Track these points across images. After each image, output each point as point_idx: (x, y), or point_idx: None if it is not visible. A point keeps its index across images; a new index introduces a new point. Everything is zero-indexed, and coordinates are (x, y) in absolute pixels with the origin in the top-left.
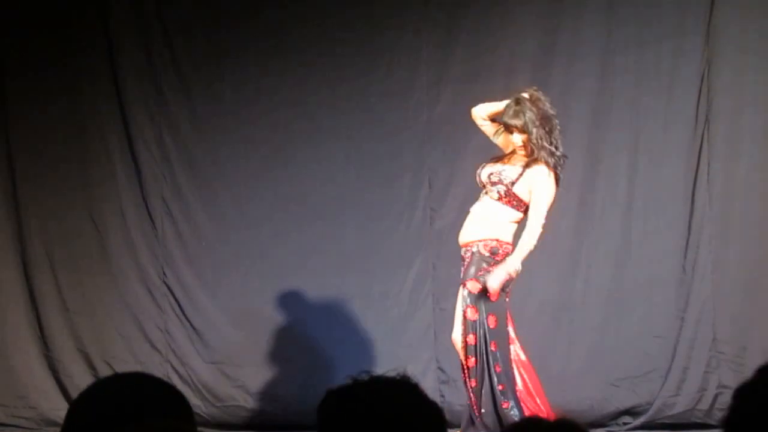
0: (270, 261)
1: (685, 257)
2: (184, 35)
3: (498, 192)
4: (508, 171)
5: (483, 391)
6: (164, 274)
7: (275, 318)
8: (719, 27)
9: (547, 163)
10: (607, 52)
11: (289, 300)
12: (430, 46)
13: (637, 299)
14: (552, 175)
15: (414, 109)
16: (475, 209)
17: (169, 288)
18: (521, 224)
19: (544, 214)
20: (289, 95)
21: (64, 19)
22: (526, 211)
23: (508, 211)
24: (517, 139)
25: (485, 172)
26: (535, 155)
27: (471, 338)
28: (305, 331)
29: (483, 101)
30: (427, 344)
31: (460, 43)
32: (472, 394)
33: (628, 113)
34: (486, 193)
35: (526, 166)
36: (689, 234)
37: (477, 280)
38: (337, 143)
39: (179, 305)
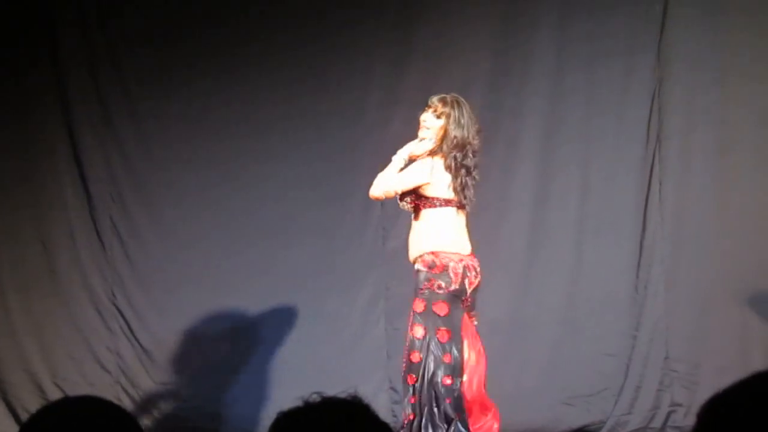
0: (219, 280)
1: (637, 276)
2: (130, 55)
3: (406, 201)
4: None
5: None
6: (113, 295)
7: (225, 338)
8: (670, 45)
9: (444, 157)
10: (559, 71)
11: (239, 320)
12: (383, 64)
13: (590, 318)
14: (436, 165)
15: (366, 128)
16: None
17: (118, 309)
18: (452, 221)
19: (406, 177)
20: (238, 114)
21: (10, 40)
22: (445, 204)
23: (428, 213)
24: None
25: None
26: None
27: (415, 356)
28: (256, 351)
29: None
30: (379, 364)
31: (412, 62)
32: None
33: (579, 132)
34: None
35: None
36: (641, 252)
37: (420, 298)
38: (287, 161)
39: (129, 326)
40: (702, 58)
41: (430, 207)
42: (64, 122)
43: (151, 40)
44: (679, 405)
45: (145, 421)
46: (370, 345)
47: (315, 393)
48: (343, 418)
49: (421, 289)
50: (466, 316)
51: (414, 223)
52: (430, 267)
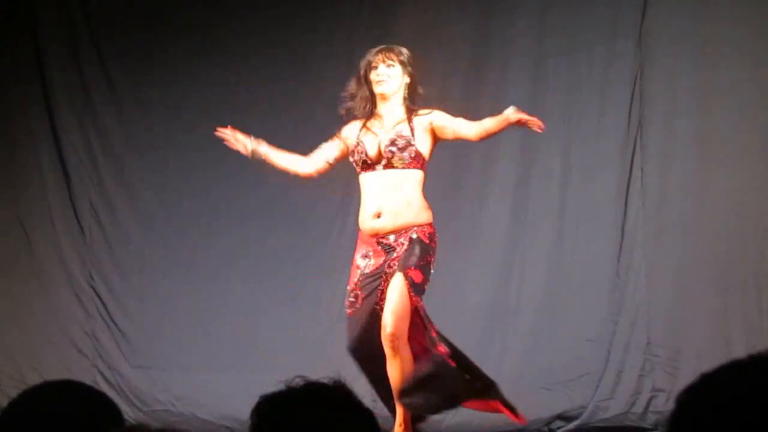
0: (198, 265)
1: (618, 261)
2: (111, 38)
3: (408, 156)
4: (404, 131)
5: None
6: (91, 278)
7: (203, 322)
8: (651, 32)
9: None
10: (540, 58)
11: (218, 304)
12: (363, 52)
13: (571, 303)
14: None
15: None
16: (385, 185)
17: (96, 292)
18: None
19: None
20: (219, 98)
21: None
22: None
23: (417, 176)
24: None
25: (382, 142)
26: (415, 103)
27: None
28: (234, 335)
29: None
30: None
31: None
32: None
33: (560, 119)
34: (388, 164)
35: (410, 119)
36: (623, 238)
37: (419, 270)
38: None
39: (106, 309)
40: (683, 45)
41: (421, 168)
42: (44, 104)
43: (132, 25)
44: (661, 390)
45: (121, 405)
46: None
47: (298, 377)
48: (326, 403)
49: (421, 261)
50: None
51: (400, 184)
52: (431, 241)
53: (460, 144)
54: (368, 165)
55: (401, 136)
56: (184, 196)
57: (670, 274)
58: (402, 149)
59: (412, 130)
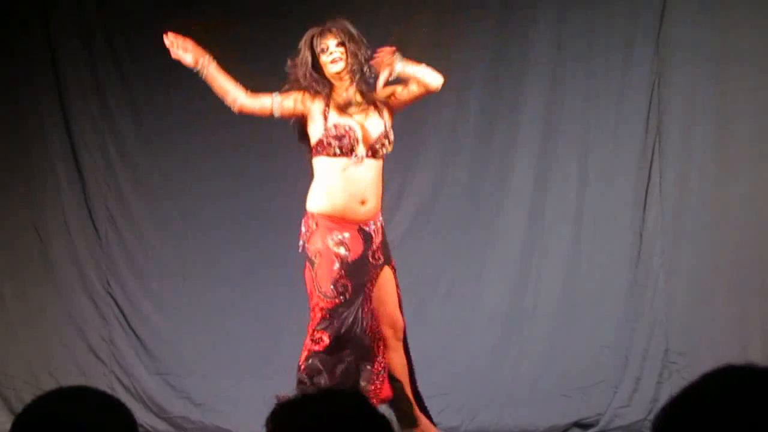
0: (216, 271)
1: (636, 267)
2: (128, 42)
3: (389, 146)
4: (386, 122)
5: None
6: (108, 283)
7: (221, 328)
8: (669, 39)
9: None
10: (557, 64)
11: (236, 310)
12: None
13: (589, 310)
14: None
15: None
16: (368, 173)
17: (113, 298)
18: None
19: None
20: None
21: (3, 24)
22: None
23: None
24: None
25: (370, 131)
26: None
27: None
28: (251, 341)
29: (435, 113)
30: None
31: (412, 54)
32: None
33: (578, 124)
34: (372, 154)
35: (377, 105)
36: (641, 244)
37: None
38: (286, 154)
39: (123, 315)
40: (701, 53)
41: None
42: (59, 109)
43: (149, 28)
44: None
45: (138, 411)
46: None
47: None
48: (342, 409)
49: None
50: None
51: (378, 172)
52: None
53: (477, 150)
54: (352, 152)
55: (387, 128)
56: (202, 200)
57: (689, 280)
58: (391, 143)
59: (384, 119)
